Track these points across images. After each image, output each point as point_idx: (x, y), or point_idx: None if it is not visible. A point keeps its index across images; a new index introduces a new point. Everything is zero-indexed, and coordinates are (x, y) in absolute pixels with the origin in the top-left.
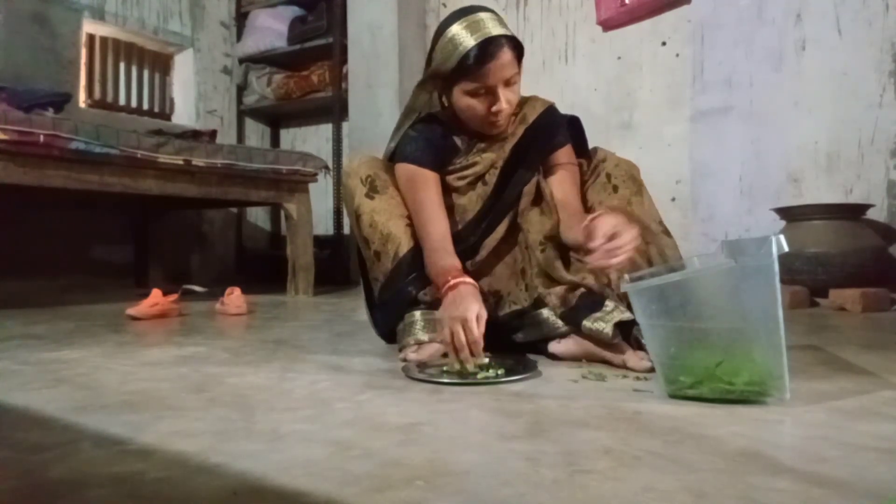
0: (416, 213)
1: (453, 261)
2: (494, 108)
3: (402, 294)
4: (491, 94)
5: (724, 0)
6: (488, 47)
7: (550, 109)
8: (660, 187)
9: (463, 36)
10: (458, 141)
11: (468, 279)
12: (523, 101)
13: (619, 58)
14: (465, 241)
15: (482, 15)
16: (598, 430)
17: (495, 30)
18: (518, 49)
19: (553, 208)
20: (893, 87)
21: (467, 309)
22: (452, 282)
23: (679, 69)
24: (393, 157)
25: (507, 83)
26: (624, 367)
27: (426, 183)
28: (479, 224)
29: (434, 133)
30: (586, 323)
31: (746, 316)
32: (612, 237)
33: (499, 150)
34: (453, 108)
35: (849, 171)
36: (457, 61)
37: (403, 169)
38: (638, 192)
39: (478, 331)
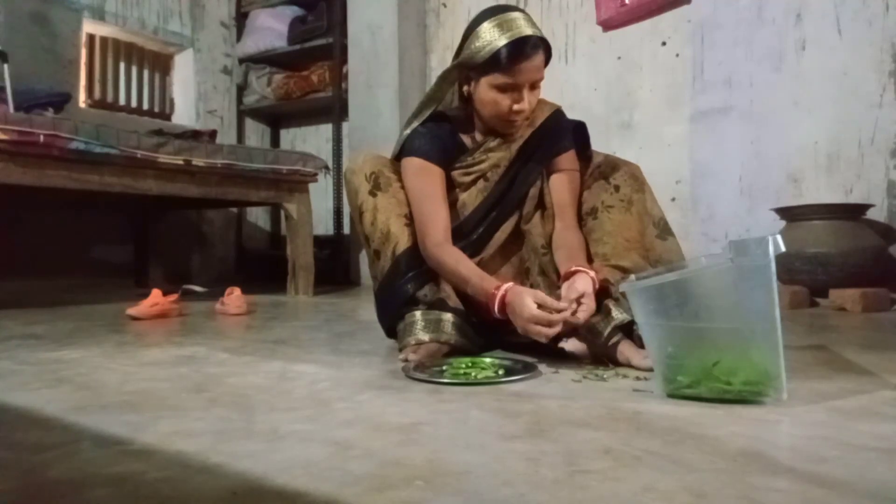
0: (419, 204)
1: (475, 269)
2: (516, 107)
3: (400, 292)
4: (517, 92)
5: (724, 0)
6: (524, 46)
7: (557, 113)
8: (660, 187)
9: (496, 33)
10: (465, 140)
11: (504, 284)
12: None
13: (619, 58)
14: (467, 237)
15: (514, 14)
16: (598, 430)
17: (529, 29)
18: (548, 53)
19: (551, 215)
20: (893, 87)
21: (523, 308)
22: (498, 294)
23: (679, 69)
24: (400, 153)
25: (533, 86)
26: (628, 365)
27: (432, 177)
28: (482, 220)
29: (443, 130)
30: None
31: (743, 316)
32: (578, 299)
33: (505, 150)
34: (473, 102)
35: (849, 171)
36: (490, 54)
37: (411, 162)
38: (639, 190)
39: (541, 316)
